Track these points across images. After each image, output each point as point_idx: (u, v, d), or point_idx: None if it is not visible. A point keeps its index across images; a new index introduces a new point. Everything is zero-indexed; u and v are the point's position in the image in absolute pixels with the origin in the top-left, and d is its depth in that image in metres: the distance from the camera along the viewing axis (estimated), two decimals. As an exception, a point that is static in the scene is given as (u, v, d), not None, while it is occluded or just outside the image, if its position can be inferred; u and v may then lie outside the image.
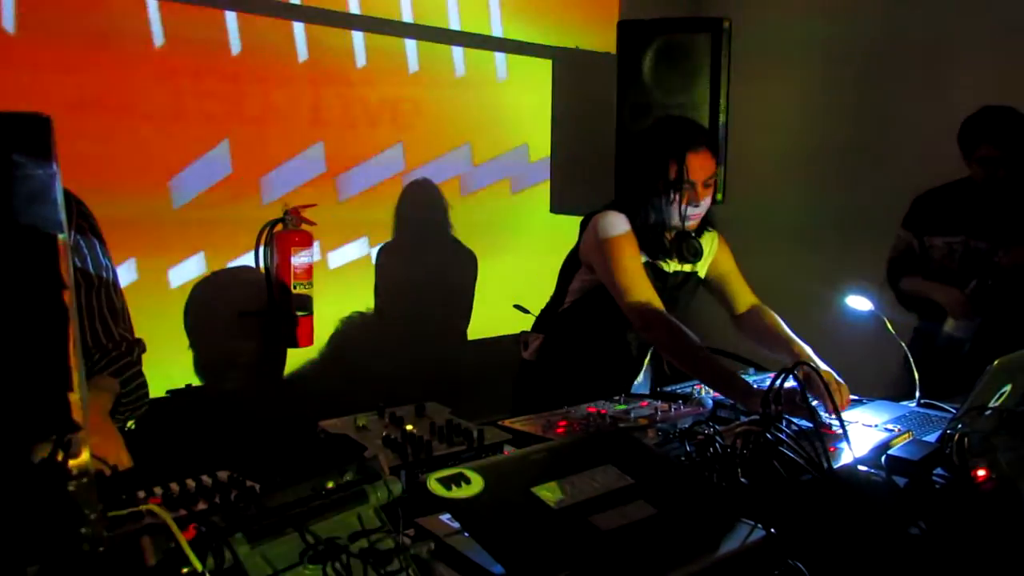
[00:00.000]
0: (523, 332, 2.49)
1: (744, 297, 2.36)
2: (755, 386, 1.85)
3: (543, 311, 2.47)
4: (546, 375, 2.35)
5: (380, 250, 3.50)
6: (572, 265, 2.33)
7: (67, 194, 1.55)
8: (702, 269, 2.34)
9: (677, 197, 2.12)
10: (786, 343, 2.13)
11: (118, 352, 1.61)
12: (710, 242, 2.33)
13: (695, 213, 2.16)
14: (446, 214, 3.66)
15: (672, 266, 2.26)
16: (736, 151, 3.34)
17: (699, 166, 2.11)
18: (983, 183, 2.80)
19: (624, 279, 2.09)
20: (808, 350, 2.06)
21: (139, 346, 1.68)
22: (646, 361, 2.41)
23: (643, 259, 2.18)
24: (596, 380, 2.10)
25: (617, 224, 2.15)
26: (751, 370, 2.16)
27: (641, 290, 2.08)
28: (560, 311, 2.35)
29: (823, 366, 1.94)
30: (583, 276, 2.28)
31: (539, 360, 2.38)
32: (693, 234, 2.22)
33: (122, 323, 1.65)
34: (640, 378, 2.42)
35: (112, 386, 1.57)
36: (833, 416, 1.63)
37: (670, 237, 2.21)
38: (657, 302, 2.08)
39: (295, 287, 3.07)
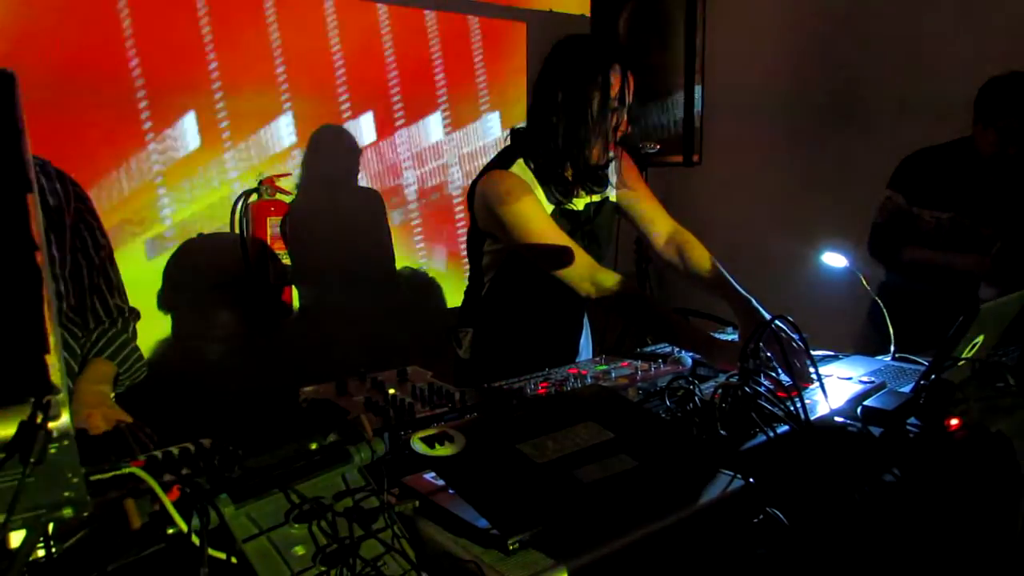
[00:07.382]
0: (450, 328, 2.20)
1: (662, 221, 2.17)
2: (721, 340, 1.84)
3: (465, 301, 2.22)
4: (486, 373, 1.89)
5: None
6: (477, 240, 2.09)
7: (63, 176, 1.58)
8: (611, 193, 2.16)
9: (609, 118, 1.92)
10: (722, 285, 1.97)
11: (115, 330, 1.72)
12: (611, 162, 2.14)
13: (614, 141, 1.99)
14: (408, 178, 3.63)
15: (581, 202, 2.07)
16: (712, 110, 3.33)
17: (628, 85, 1.93)
18: (989, 157, 2.57)
19: (549, 255, 1.88)
20: (754, 301, 1.92)
21: (134, 316, 1.78)
22: (585, 322, 2.24)
23: (550, 209, 1.98)
24: (541, 363, 1.80)
25: (509, 188, 1.91)
26: (728, 328, 2.15)
27: (573, 262, 1.88)
28: (483, 296, 2.12)
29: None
30: (490, 247, 2.06)
31: (474, 358, 2.13)
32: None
33: (118, 295, 1.75)
34: (583, 347, 2.26)
35: (109, 372, 1.68)
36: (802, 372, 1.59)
37: (569, 174, 1.99)
38: (594, 265, 1.90)
39: (272, 257, 3.05)
